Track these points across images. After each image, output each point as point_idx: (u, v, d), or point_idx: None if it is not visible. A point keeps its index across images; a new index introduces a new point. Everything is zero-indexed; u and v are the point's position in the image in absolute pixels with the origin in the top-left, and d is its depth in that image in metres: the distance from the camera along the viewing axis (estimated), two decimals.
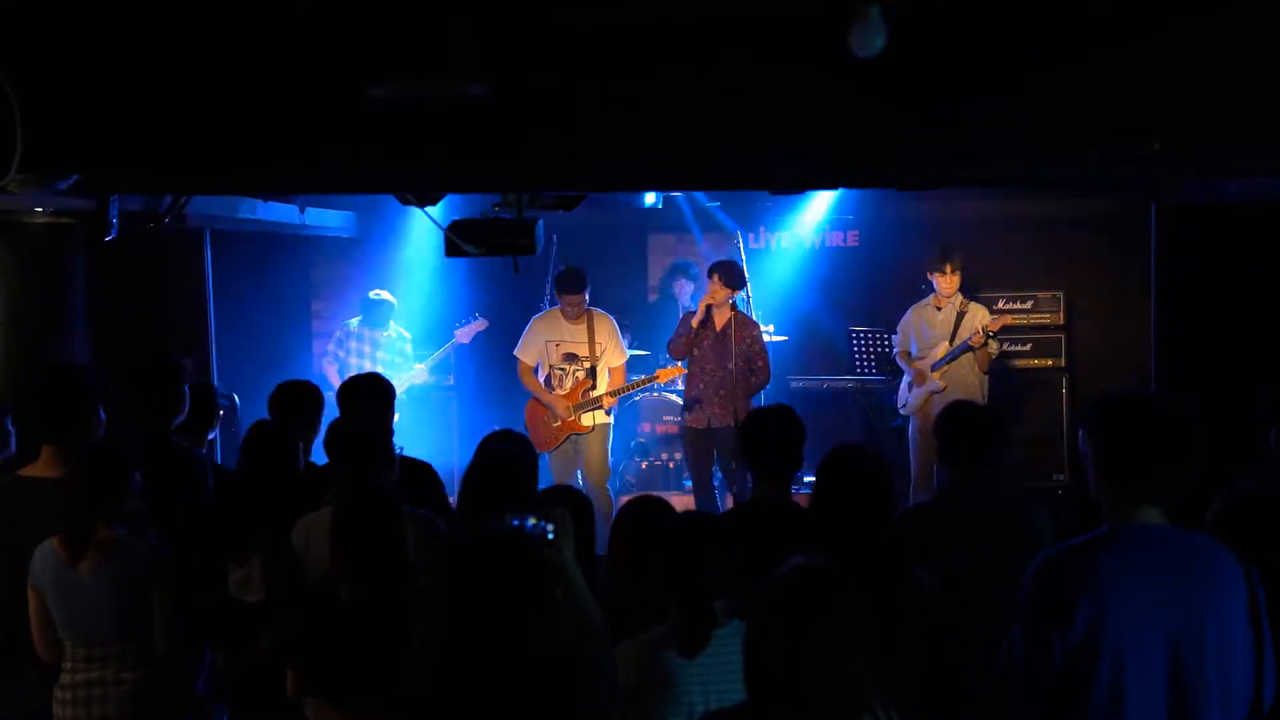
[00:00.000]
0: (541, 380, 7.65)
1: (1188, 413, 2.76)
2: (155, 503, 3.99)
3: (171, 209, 5.77)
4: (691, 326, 7.70)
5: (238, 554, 4.19)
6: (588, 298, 7.57)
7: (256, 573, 4.13)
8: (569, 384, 7.57)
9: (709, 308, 7.69)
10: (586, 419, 7.55)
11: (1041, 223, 9.27)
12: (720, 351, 7.69)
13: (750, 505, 4.04)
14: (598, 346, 7.57)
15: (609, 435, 7.71)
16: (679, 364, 8.28)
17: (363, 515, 3.42)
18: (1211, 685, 2.65)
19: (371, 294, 8.77)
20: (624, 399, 8.35)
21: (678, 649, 3.01)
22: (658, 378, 8.04)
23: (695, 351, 7.74)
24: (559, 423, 7.52)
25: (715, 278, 7.69)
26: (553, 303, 7.99)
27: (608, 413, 7.64)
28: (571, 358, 7.59)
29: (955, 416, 4.14)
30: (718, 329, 7.73)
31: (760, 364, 7.75)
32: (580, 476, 7.58)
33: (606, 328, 7.64)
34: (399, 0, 3.98)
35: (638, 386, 8.01)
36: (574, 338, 7.59)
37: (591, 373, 7.56)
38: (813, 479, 3.73)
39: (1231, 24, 3.90)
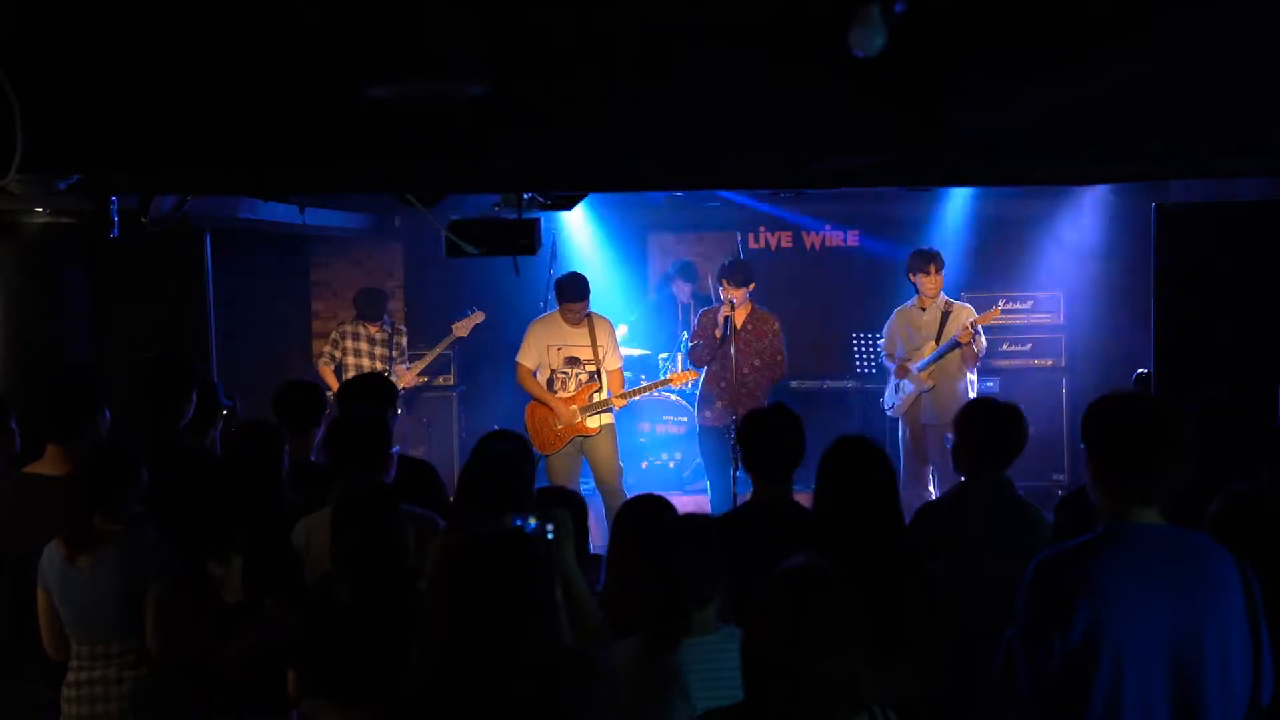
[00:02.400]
0: (544, 381, 7.63)
1: (1182, 412, 2.76)
2: (166, 501, 4.00)
3: (174, 210, 5.77)
4: (714, 338, 7.74)
5: (218, 553, 4.18)
6: (588, 303, 7.58)
7: (236, 573, 4.12)
8: (572, 387, 7.55)
9: (727, 316, 7.73)
10: (592, 421, 7.54)
11: (1042, 223, 9.28)
12: (743, 349, 7.74)
13: (751, 506, 4.04)
14: (600, 350, 7.55)
15: (615, 434, 7.69)
16: (693, 368, 8.28)
17: (362, 515, 3.42)
18: (1210, 684, 2.65)
19: (366, 287, 8.80)
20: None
21: (659, 648, 2.99)
22: (670, 381, 8.03)
23: (718, 352, 7.79)
24: (563, 426, 7.51)
25: (724, 282, 7.76)
26: (552, 305, 7.98)
27: (610, 411, 7.64)
28: (573, 361, 7.57)
29: (978, 414, 4.12)
30: (738, 326, 7.77)
31: (780, 358, 7.85)
32: (592, 477, 7.59)
33: (607, 331, 7.63)
34: (399, 0, 3.98)
35: (651, 389, 8.00)
36: (575, 341, 7.57)
37: (596, 376, 7.55)
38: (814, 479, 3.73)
39: (1231, 24, 3.90)
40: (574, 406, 7.49)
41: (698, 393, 8.09)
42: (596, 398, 7.51)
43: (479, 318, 8.59)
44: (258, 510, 4.07)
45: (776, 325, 7.88)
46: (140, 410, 4.57)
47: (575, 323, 7.52)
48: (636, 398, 7.93)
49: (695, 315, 9.58)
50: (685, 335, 9.39)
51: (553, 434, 7.47)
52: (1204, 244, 5.69)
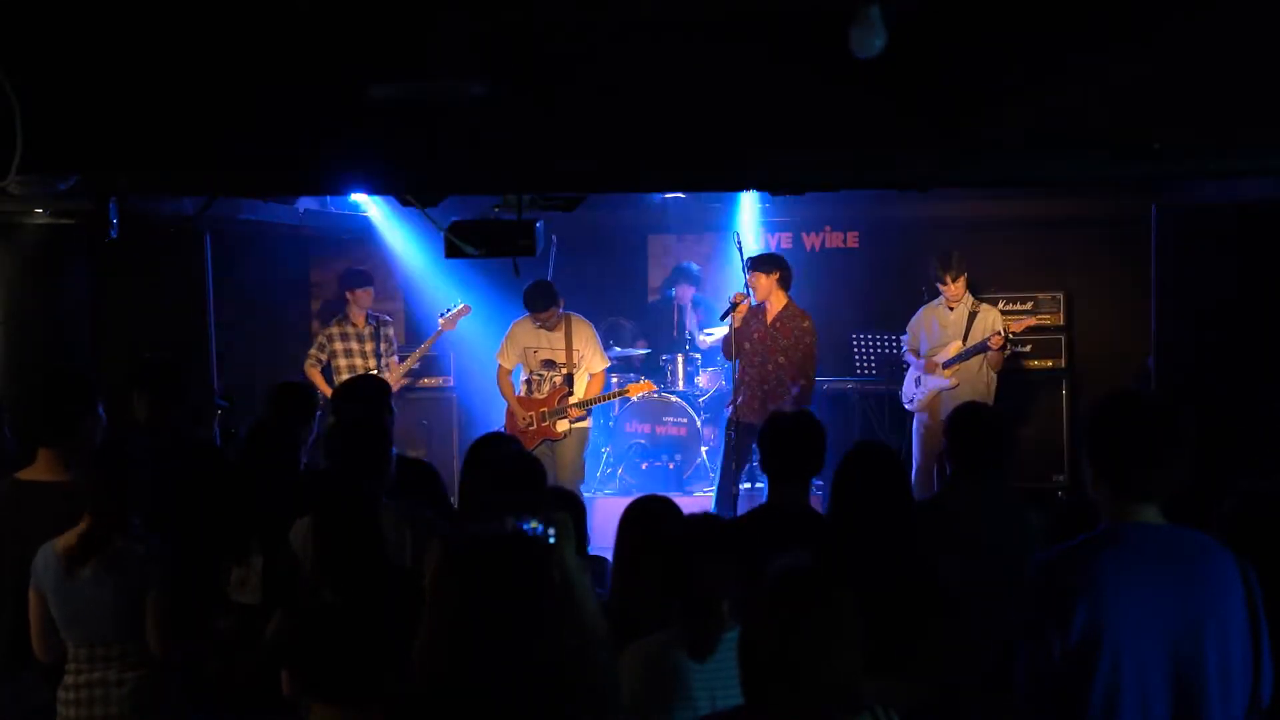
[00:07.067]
0: (523, 382, 7.76)
1: (1181, 410, 2.76)
2: (178, 504, 4.01)
3: (202, 209, 5.78)
4: (733, 327, 7.70)
5: (237, 554, 4.18)
6: (560, 308, 7.61)
7: (255, 574, 4.13)
8: (546, 389, 7.68)
9: (749, 307, 7.67)
10: (561, 425, 7.63)
11: (1041, 223, 9.27)
12: (770, 345, 7.65)
13: (766, 509, 4.04)
14: (575, 354, 7.65)
15: (585, 441, 7.78)
16: (647, 379, 8.32)
17: (339, 518, 3.42)
18: (1211, 683, 2.65)
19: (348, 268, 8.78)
20: (625, 399, 8.39)
21: (686, 652, 3.01)
22: (628, 392, 8.09)
23: (746, 345, 7.72)
24: (533, 427, 7.59)
25: (754, 273, 7.69)
26: None
27: (584, 417, 7.71)
28: (550, 364, 7.67)
29: (964, 417, 4.16)
30: (768, 321, 7.69)
31: (808, 361, 7.57)
32: (554, 480, 7.60)
33: (584, 334, 7.70)
34: (399, 0, 3.99)
35: (608, 399, 8.07)
36: (552, 344, 7.68)
37: (569, 380, 7.62)
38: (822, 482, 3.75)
39: (1231, 24, 3.90)
40: (543, 409, 7.61)
41: None
42: (566, 402, 7.58)
43: (465, 310, 8.58)
44: (276, 511, 4.07)
45: (806, 324, 7.65)
46: (146, 409, 4.57)
47: (551, 327, 7.58)
48: (593, 406, 7.93)
49: (693, 318, 9.62)
50: (688, 335, 9.41)
51: (523, 435, 7.56)
52: (1204, 244, 5.69)
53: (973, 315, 8.02)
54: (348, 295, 8.55)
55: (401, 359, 8.68)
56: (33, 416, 4.22)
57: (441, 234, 5.21)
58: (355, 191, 7.64)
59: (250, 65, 4.11)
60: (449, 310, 8.60)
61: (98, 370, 5.17)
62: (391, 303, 10.29)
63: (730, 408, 7.90)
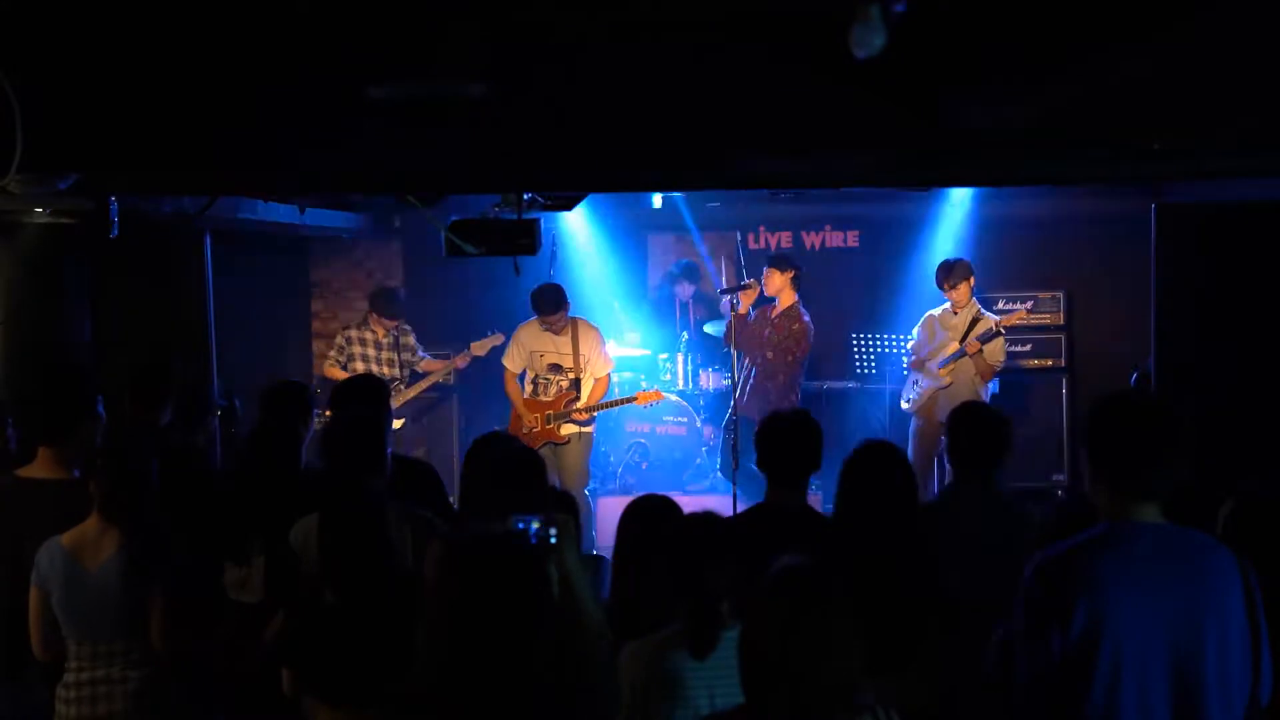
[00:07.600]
0: (529, 383, 7.75)
1: (1179, 410, 2.77)
2: (183, 502, 4.01)
3: (202, 209, 5.78)
4: (733, 315, 7.80)
5: (238, 554, 4.18)
6: (568, 311, 7.61)
7: (257, 574, 4.13)
8: (553, 393, 7.68)
9: (756, 296, 7.79)
10: (565, 429, 7.63)
11: (1042, 223, 9.28)
12: (766, 340, 7.72)
13: (764, 508, 4.05)
14: (582, 358, 7.63)
15: (589, 445, 7.79)
16: (656, 388, 8.34)
17: (345, 521, 3.42)
18: (1210, 682, 2.65)
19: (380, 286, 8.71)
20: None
21: (686, 651, 3.01)
22: (636, 400, 8.09)
23: (749, 340, 7.82)
24: (537, 429, 7.60)
25: (771, 269, 7.85)
26: None
27: (589, 422, 7.72)
28: (556, 368, 7.67)
29: (964, 417, 4.17)
30: (772, 316, 7.77)
31: (790, 357, 7.72)
32: (558, 483, 7.59)
33: (591, 339, 7.70)
34: (400, 0, 3.99)
35: (613, 406, 8.08)
36: (558, 348, 7.67)
37: (576, 384, 7.62)
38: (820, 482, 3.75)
39: (1231, 24, 3.90)
40: (548, 412, 7.63)
41: None
42: (571, 407, 7.62)
43: (498, 340, 8.46)
44: (278, 511, 4.06)
45: (798, 326, 7.78)
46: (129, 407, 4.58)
47: (558, 331, 7.58)
48: (599, 412, 7.94)
49: (694, 315, 9.63)
50: (685, 335, 9.41)
51: (527, 438, 7.54)
52: (1204, 244, 5.69)
53: (974, 322, 8.08)
54: (370, 315, 8.50)
55: (414, 376, 8.62)
56: (33, 416, 4.23)
57: (441, 233, 5.22)
58: (355, 191, 7.64)
59: (250, 65, 4.11)
60: (482, 337, 8.53)
61: (98, 370, 5.17)
62: None
63: (731, 405, 7.94)
